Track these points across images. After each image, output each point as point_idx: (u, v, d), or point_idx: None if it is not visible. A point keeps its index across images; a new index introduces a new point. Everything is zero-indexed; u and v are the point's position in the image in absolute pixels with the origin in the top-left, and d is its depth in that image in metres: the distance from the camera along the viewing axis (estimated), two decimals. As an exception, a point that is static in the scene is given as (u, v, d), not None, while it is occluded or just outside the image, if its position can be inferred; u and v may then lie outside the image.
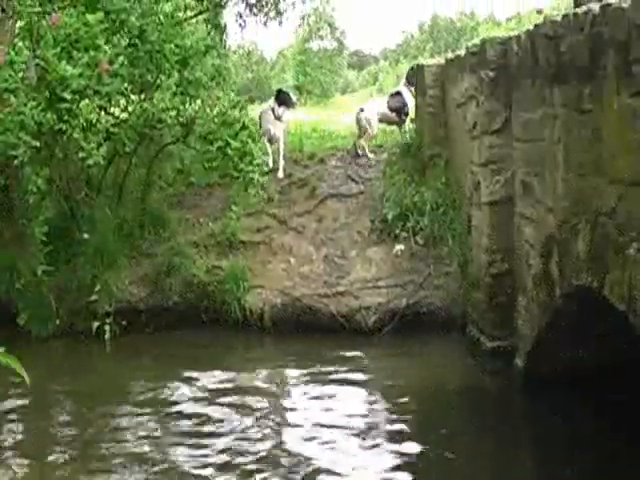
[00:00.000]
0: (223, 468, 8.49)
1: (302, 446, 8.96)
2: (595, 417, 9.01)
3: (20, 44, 12.39)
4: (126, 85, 12.92)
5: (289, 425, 9.70)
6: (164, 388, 10.86)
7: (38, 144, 11.95)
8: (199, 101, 13.51)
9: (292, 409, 10.20)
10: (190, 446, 9.06)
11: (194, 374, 11.31)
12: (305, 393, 10.64)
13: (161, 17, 13.54)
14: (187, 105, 13.30)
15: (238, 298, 12.85)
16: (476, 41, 11.72)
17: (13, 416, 10.12)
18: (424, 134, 14.71)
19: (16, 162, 12.00)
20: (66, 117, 12.11)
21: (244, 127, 13.06)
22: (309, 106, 31.49)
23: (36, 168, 12.62)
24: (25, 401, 10.55)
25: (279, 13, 19.90)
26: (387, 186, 14.50)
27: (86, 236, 13.07)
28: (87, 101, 12.15)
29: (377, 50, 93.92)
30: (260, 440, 9.15)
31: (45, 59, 12.00)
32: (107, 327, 12.63)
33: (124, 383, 11.35)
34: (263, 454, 8.75)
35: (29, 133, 11.89)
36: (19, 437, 9.62)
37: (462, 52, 12.26)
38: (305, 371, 11.35)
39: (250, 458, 8.67)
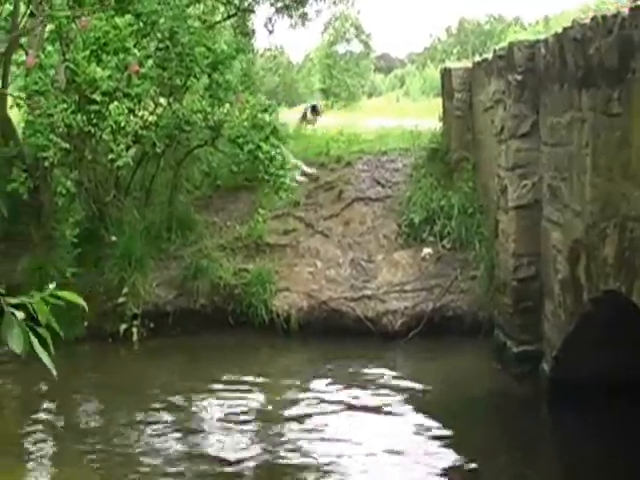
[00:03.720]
0: (247, 469, 8.54)
1: (329, 451, 8.99)
2: (621, 422, 8.96)
3: (50, 47, 12.49)
4: (155, 87, 13.00)
5: (315, 429, 9.69)
6: (190, 390, 10.90)
7: (68, 146, 12.06)
8: (228, 104, 13.56)
9: (318, 412, 10.18)
10: (214, 447, 9.13)
11: (220, 377, 11.36)
12: (331, 396, 10.64)
13: (192, 20, 13.60)
14: (216, 108, 13.35)
15: (264, 301, 12.88)
16: (503, 44, 11.69)
17: (41, 415, 10.23)
18: (451, 138, 14.70)
19: (46, 164, 12.12)
20: (95, 119, 12.20)
21: (275, 131, 13.11)
22: (335, 109, 31.44)
23: (65, 170, 12.72)
24: (53, 402, 10.64)
25: (306, 17, 19.96)
26: (414, 190, 14.49)
27: (114, 238, 13.13)
28: (116, 103, 12.21)
29: (404, 53, 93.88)
30: (283, 444, 9.19)
31: (75, 62, 12.11)
32: (135, 329, 12.71)
33: (151, 385, 11.40)
34: (287, 461, 8.79)
35: (59, 135, 12.00)
36: (46, 436, 9.71)
37: (489, 56, 12.24)
38: (331, 374, 11.38)
39: (272, 461, 8.72)
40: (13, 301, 3.44)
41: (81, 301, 3.63)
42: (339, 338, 12.47)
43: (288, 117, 18.40)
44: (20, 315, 3.44)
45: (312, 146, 16.55)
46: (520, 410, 10.03)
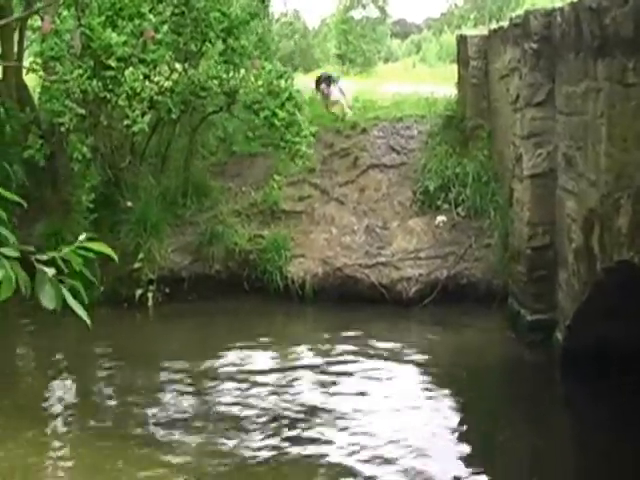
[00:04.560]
0: (261, 430, 8.65)
1: (340, 414, 9.08)
2: (633, 391, 8.98)
3: (65, 13, 12.48)
4: (171, 53, 13.00)
5: (327, 393, 9.79)
6: (205, 355, 10.98)
7: (83, 112, 12.09)
8: (243, 70, 13.54)
9: (331, 377, 10.25)
10: (227, 413, 9.23)
11: (235, 342, 11.45)
12: (344, 363, 10.70)
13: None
14: (231, 74, 13.34)
15: (280, 267, 12.92)
16: (520, 12, 11.63)
17: (56, 380, 10.35)
18: (467, 105, 14.66)
19: (62, 129, 12.16)
20: (111, 85, 12.23)
21: (290, 97, 13.09)
22: (351, 75, 31.33)
23: (81, 136, 12.76)
24: (68, 367, 10.75)
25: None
26: (429, 157, 14.47)
27: (130, 204, 13.16)
28: (132, 69, 12.23)
29: (420, 19, 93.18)
30: (295, 406, 9.29)
31: (90, 27, 12.10)
32: (150, 294, 12.77)
33: (166, 349, 11.51)
34: (299, 422, 8.89)
35: (74, 101, 12.03)
36: (60, 402, 9.81)
37: (505, 23, 12.18)
38: (345, 340, 11.44)
39: (284, 422, 8.84)
40: (43, 257, 3.50)
41: (110, 251, 3.69)
42: (353, 304, 12.52)
43: (304, 83, 18.37)
44: (51, 271, 3.50)
45: (328, 112, 16.51)
46: (533, 379, 10.09)
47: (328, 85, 16.58)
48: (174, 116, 13.40)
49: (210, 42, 13.60)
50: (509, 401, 9.79)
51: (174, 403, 9.54)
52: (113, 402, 9.85)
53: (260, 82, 13.24)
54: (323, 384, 10.06)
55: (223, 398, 9.68)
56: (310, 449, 8.36)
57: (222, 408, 9.36)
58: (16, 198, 3.75)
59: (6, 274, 3.36)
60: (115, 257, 3.87)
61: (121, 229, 13.15)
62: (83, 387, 10.22)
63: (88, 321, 3.64)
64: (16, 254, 3.47)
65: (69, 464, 8.41)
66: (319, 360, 10.90)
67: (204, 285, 13.05)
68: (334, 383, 10.08)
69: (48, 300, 3.49)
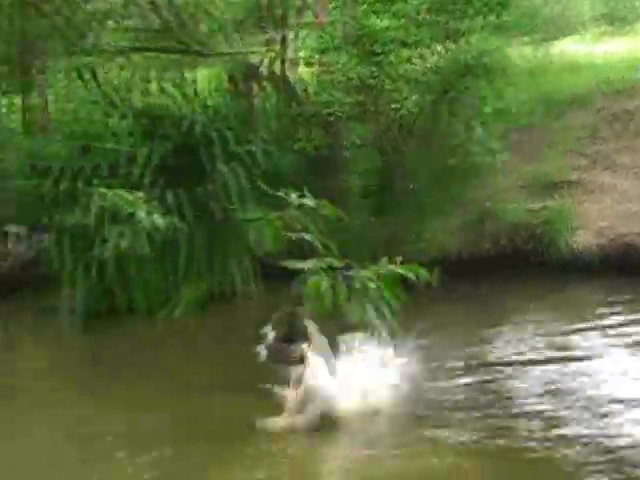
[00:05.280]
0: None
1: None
2: None
3: (336, 3, 12.87)
4: (434, 34, 13.01)
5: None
6: (487, 334, 10.87)
7: (357, 99, 12.36)
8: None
9: (626, 348, 10.00)
10: (512, 399, 9.00)
11: (519, 316, 11.42)
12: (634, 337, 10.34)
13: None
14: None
15: (563, 239, 12.72)
16: None
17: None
18: None
19: (337, 116, 12.45)
20: (378, 70, 12.43)
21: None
22: (616, 36, 30.23)
23: (353, 123, 13.02)
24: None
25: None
26: None
27: (408, 186, 13.24)
28: (397, 52, 12.38)
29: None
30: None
31: (356, 16, 12.35)
32: (434, 274, 12.74)
33: (462, 327, 11.38)
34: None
35: (344, 90, 12.34)
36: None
37: None
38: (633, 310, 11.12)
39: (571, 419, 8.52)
40: (366, 273, 3.59)
41: (424, 272, 3.74)
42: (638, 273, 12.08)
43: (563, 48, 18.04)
44: (372, 285, 3.59)
45: (597, 75, 15.94)
46: None
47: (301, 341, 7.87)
48: (439, 96, 13.36)
49: (472, 19, 13.45)
50: None
51: (453, 390, 9.25)
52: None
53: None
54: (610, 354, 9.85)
55: (504, 383, 9.42)
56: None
57: (504, 394, 9.08)
58: (336, 211, 3.81)
59: (339, 287, 3.47)
60: (430, 278, 3.86)
61: (398, 212, 13.22)
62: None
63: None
64: (341, 264, 3.58)
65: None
66: (607, 342, 10.47)
67: (485, 263, 12.90)
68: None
69: (352, 313, 3.61)
